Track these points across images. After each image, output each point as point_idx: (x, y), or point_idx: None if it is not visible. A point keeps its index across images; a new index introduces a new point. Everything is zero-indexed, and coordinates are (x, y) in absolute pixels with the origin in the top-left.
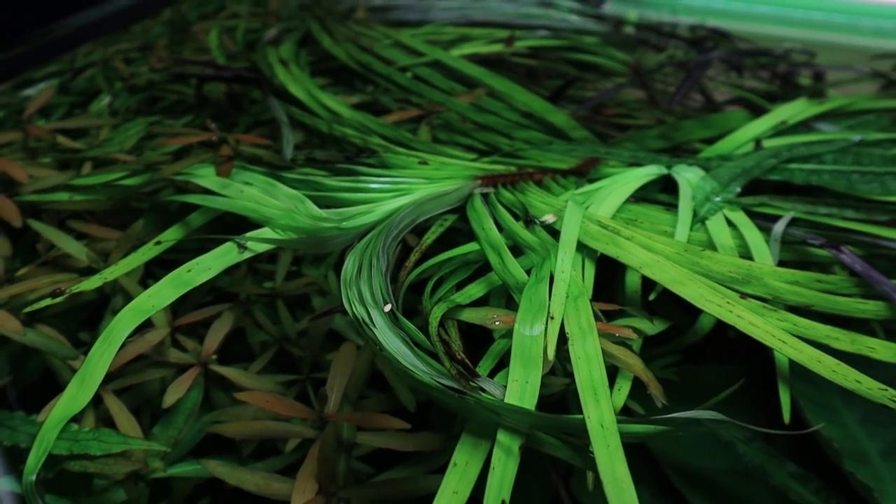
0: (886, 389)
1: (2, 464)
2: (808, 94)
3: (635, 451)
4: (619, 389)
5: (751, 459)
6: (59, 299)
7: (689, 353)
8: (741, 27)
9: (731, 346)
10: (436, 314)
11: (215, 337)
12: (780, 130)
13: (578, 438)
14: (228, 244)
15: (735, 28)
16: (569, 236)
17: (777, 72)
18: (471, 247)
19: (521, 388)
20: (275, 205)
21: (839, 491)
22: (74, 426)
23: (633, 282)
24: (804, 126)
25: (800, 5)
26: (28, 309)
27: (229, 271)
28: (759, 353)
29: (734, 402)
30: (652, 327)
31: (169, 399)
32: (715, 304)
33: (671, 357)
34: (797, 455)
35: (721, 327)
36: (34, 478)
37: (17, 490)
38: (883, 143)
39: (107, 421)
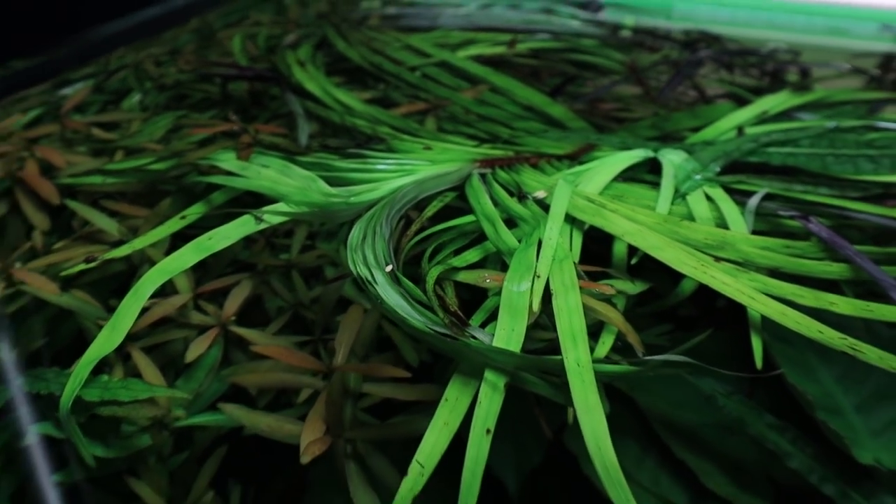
0: (845, 338)
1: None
2: (792, 89)
3: (625, 407)
4: (602, 343)
5: (730, 412)
6: (92, 264)
7: (681, 323)
8: (732, 31)
9: (724, 315)
10: (432, 273)
11: (234, 301)
12: (763, 119)
13: (559, 378)
14: (246, 216)
15: (726, 32)
16: (557, 208)
17: (766, 69)
18: (468, 219)
19: (507, 335)
20: (289, 183)
21: (815, 441)
22: (105, 377)
23: (619, 250)
24: (786, 116)
25: (784, 9)
26: (64, 273)
27: (248, 245)
28: (746, 323)
29: (720, 362)
30: (633, 287)
31: (191, 355)
32: (691, 266)
33: (664, 326)
34: (776, 409)
35: (711, 298)
36: (69, 405)
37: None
38: (857, 130)
39: (134, 375)
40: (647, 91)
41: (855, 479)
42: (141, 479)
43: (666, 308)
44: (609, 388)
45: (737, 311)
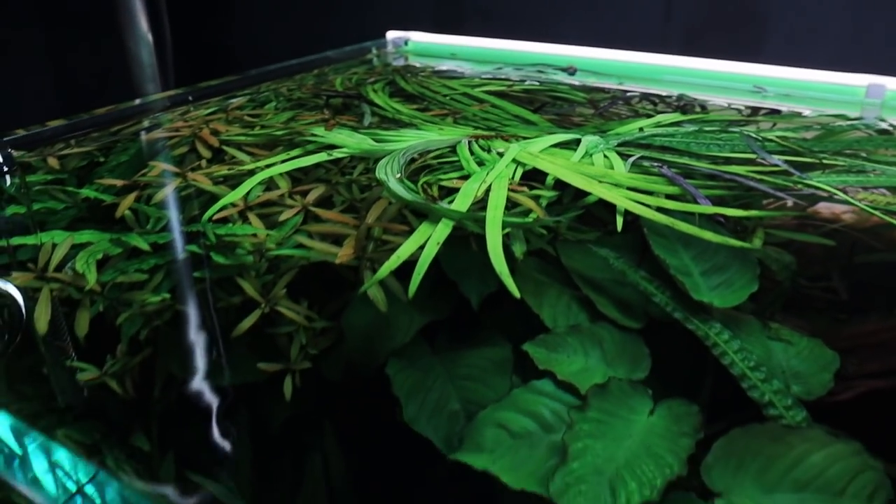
0: (675, 222)
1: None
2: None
3: (556, 268)
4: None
5: (617, 267)
6: (233, 171)
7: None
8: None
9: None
10: (423, 178)
11: (313, 195)
12: (659, 124)
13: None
14: (323, 153)
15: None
16: (507, 155)
17: (678, 105)
18: (454, 157)
19: (459, 205)
20: (351, 140)
21: (672, 289)
22: (230, 224)
23: (548, 182)
24: (676, 125)
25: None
26: (216, 174)
27: (328, 170)
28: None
29: (620, 249)
30: (549, 192)
31: (282, 217)
32: (585, 183)
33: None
34: (650, 272)
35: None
36: (209, 222)
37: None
38: (715, 132)
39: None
40: (596, 109)
41: (695, 311)
42: (244, 279)
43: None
44: (544, 253)
45: (634, 222)
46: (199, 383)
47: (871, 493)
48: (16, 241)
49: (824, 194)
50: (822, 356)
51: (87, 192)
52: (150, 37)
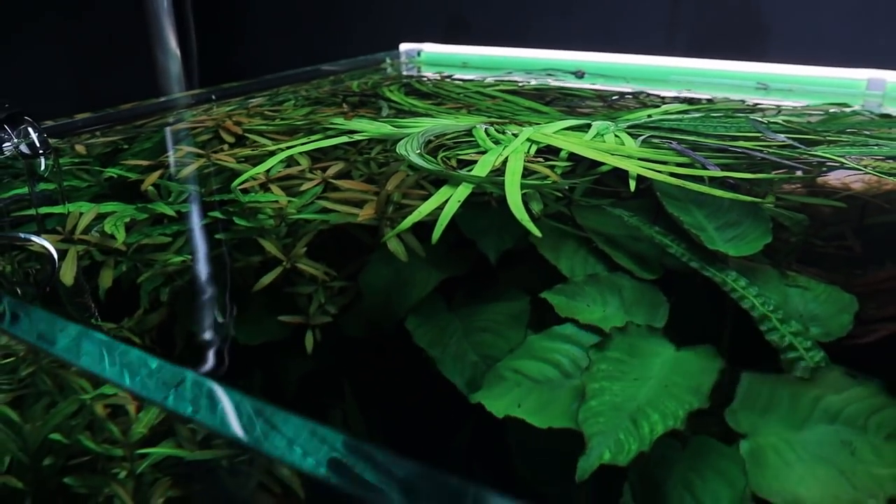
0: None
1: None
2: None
3: (573, 228)
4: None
5: (632, 224)
6: (256, 151)
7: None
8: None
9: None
10: (442, 153)
11: (333, 169)
12: (667, 112)
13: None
14: (344, 137)
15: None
16: (522, 135)
17: (684, 98)
18: (470, 139)
19: (478, 171)
20: (371, 126)
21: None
22: (252, 193)
23: (562, 156)
24: (682, 113)
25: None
26: (239, 155)
27: (346, 151)
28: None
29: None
30: (564, 163)
31: (304, 188)
32: (598, 155)
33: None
34: (666, 228)
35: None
36: (239, 190)
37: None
38: (721, 118)
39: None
40: (605, 101)
41: (711, 261)
42: (265, 240)
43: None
44: (562, 215)
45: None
46: (218, 341)
47: (890, 432)
48: (44, 210)
49: (834, 164)
50: (840, 299)
51: (110, 171)
52: (178, 51)
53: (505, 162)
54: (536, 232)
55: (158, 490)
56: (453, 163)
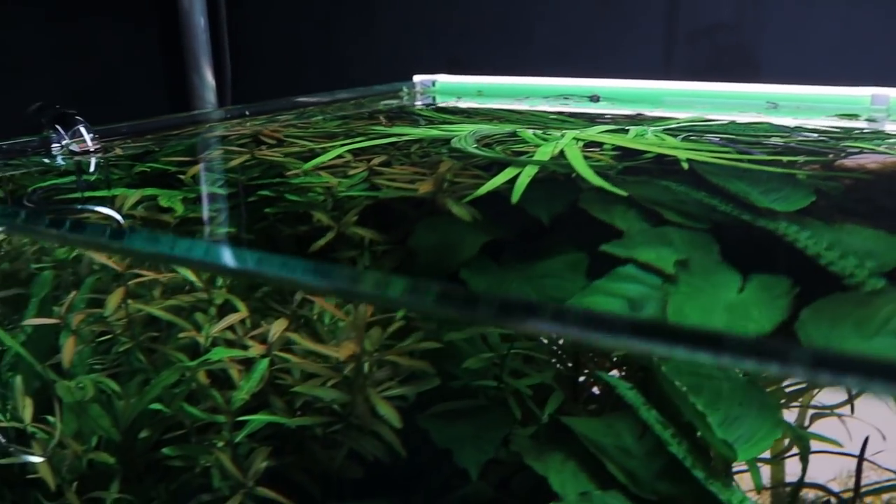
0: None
1: None
2: None
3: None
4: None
5: (680, 191)
6: (300, 149)
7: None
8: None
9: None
10: (497, 147)
11: (376, 160)
12: (693, 121)
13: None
14: (392, 137)
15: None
16: (568, 135)
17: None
18: (516, 139)
19: (539, 158)
20: (417, 130)
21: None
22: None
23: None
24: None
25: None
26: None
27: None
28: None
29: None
30: (612, 151)
31: (351, 172)
32: (644, 146)
33: None
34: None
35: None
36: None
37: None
38: (747, 124)
39: None
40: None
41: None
42: (316, 212)
43: None
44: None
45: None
46: None
47: None
48: (87, 194)
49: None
50: (890, 239)
51: (141, 166)
52: (213, 81)
53: (561, 153)
54: (621, 192)
55: (258, 458)
56: (509, 153)
